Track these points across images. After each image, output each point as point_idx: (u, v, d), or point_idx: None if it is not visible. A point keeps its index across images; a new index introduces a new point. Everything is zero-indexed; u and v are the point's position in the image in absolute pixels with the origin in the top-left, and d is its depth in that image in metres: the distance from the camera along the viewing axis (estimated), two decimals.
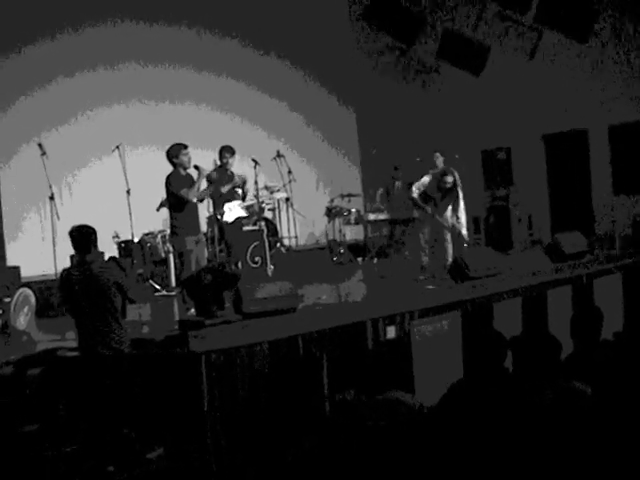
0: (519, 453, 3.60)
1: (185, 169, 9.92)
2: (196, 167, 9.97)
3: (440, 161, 13.72)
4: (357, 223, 15.61)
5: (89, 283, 7.19)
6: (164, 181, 9.93)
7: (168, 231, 11.15)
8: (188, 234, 9.82)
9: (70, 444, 7.31)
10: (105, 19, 14.30)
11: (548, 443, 3.58)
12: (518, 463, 3.59)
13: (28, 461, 6.96)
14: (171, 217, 10.01)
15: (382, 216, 15.20)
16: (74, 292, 7.29)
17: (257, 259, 12.73)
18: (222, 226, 11.84)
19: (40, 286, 11.11)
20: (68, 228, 11.44)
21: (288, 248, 14.87)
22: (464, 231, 12.07)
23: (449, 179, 11.96)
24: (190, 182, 9.89)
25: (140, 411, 7.36)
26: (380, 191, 15.72)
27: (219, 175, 11.65)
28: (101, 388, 7.17)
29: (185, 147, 9.91)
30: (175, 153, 9.85)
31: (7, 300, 10.07)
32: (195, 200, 10.01)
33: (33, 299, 10.26)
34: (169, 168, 9.92)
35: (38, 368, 7.90)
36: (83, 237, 7.32)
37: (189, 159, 9.91)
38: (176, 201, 9.84)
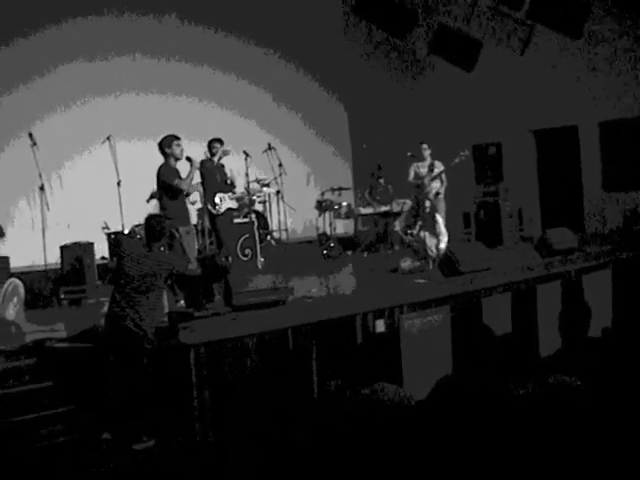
0: (507, 447, 3.62)
1: (176, 160, 9.88)
2: (188, 159, 9.94)
3: (427, 153, 13.77)
4: (347, 217, 15.60)
5: (144, 266, 7.46)
6: (155, 172, 9.90)
7: None
8: (178, 225, 9.80)
9: (65, 435, 7.32)
10: (95, 11, 14.25)
11: (536, 438, 3.60)
12: (505, 458, 3.60)
13: (21, 452, 6.96)
14: (161, 208, 9.98)
15: (372, 210, 15.19)
16: (127, 267, 7.50)
17: (247, 252, 12.72)
18: (213, 217, 11.83)
19: (29, 277, 11.07)
20: (58, 219, 11.40)
21: (278, 241, 14.86)
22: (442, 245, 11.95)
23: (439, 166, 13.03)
24: (180, 174, 9.87)
25: (131, 401, 7.36)
26: (367, 191, 15.72)
27: (210, 167, 11.66)
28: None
29: (178, 138, 9.88)
30: (168, 143, 9.81)
31: None
32: (187, 190, 9.98)
33: (22, 290, 10.20)
34: (160, 160, 9.88)
35: (30, 359, 7.90)
36: (153, 228, 7.71)
37: (181, 150, 9.87)
38: (167, 192, 9.81)
